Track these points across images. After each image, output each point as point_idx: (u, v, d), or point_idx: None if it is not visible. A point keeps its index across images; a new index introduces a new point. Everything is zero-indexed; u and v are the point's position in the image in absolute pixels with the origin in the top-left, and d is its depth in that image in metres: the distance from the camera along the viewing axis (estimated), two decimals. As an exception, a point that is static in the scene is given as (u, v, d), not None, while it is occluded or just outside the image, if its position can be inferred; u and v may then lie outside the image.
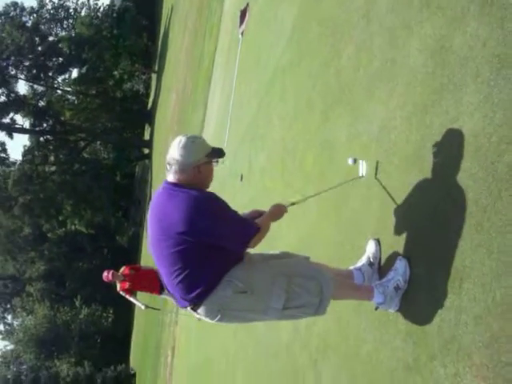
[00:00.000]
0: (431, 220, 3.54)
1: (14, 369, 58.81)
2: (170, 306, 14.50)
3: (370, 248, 4.21)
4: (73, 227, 56.64)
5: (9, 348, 60.30)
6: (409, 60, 4.09)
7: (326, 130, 5.65)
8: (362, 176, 4.34)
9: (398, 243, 3.86)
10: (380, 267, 4.13)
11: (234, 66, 11.28)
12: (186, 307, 3.77)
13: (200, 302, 3.64)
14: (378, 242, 4.18)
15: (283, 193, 6.92)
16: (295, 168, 6.54)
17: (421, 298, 3.54)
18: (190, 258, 3.59)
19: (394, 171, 4.05)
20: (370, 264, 4.15)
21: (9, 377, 32.68)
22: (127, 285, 11.50)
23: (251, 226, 3.73)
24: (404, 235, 3.81)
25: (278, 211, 4.10)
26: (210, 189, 3.82)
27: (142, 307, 12.19)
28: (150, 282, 11.55)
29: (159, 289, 11.57)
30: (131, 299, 12.03)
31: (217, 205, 3.64)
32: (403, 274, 3.70)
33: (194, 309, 3.70)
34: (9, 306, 63.42)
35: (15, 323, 62.09)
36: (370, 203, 4.36)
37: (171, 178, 3.69)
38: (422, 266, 3.57)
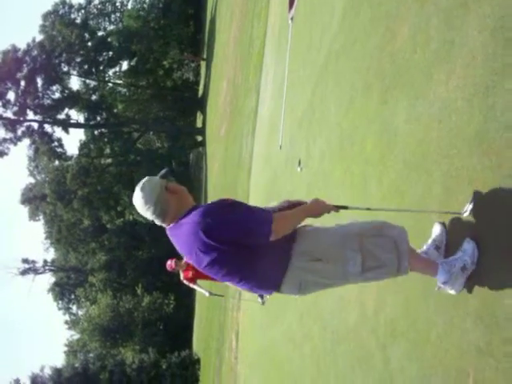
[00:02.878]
0: (500, 204, 3.51)
1: (82, 357, 60.49)
2: (232, 292, 14.64)
3: (436, 231, 4.14)
4: (131, 217, 57.49)
5: (75, 337, 61.86)
6: (467, 40, 4.03)
7: (384, 113, 5.61)
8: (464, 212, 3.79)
9: (465, 227, 3.83)
10: (447, 251, 4.08)
11: (285, 52, 11.26)
12: (271, 294, 3.92)
13: (280, 283, 3.72)
14: (443, 225, 4.11)
15: (342, 178, 6.93)
16: (354, 152, 6.52)
17: (490, 282, 3.50)
18: (234, 262, 3.72)
19: (456, 154, 4.01)
20: (436, 248, 4.07)
21: (77, 365, 33.42)
22: (190, 273, 11.72)
23: (264, 221, 3.62)
24: (471, 219, 3.78)
25: (316, 208, 3.86)
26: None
27: (207, 294, 12.40)
28: None
29: None
30: (195, 287, 12.25)
31: (217, 215, 3.61)
32: (471, 255, 3.63)
33: (279, 291, 3.80)
34: (73, 296, 65.09)
35: (80, 313, 63.70)
36: (432, 187, 4.34)
37: (166, 222, 3.77)
38: (491, 249, 3.53)
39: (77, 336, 60.77)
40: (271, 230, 3.54)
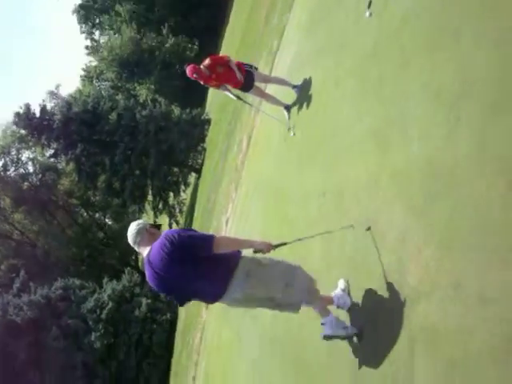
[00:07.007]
0: None
1: (97, 84, 60.38)
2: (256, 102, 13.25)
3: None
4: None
5: (93, 64, 61.14)
6: None
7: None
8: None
9: None
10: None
11: None
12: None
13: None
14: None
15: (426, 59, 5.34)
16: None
17: None
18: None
19: None
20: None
21: (89, 100, 32.42)
22: (213, 82, 10.35)
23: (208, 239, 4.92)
24: None
25: (261, 246, 5.13)
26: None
27: (234, 98, 11.09)
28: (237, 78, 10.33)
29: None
30: (220, 90, 10.96)
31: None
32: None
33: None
34: (97, 21, 63.02)
35: (101, 41, 62.23)
36: None
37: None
38: None
39: (95, 63, 60.02)
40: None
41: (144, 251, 5.08)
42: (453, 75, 4.61)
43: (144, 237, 5.09)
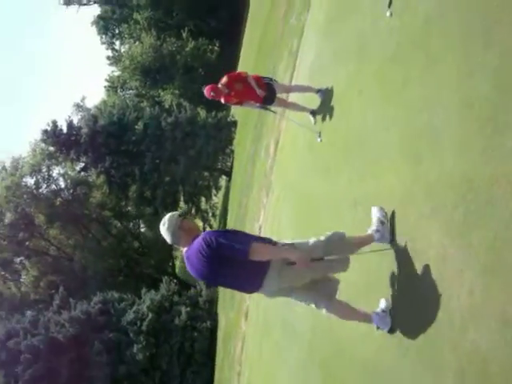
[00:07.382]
0: None
1: (121, 93, 60.49)
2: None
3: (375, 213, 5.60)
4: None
5: (116, 74, 61.37)
6: None
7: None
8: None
9: None
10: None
11: None
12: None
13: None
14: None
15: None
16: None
17: None
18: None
19: None
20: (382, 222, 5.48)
21: (114, 112, 32.37)
22: (234, 100, 10.13)
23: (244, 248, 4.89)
24: None
25: (297, 258, 5.01)
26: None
27: (258, 109, 10.99)
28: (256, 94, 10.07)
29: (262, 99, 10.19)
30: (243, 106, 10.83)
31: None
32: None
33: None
34: (117, 31, 63.14)
35: (122, 50, 62.30)
36: None
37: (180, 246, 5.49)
38: None
39: (118, 73, 60.21)
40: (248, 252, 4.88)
41: (184, 248, 5.32)
42: (486, 81, 4.29)
43: (180, 237, 5.24)
